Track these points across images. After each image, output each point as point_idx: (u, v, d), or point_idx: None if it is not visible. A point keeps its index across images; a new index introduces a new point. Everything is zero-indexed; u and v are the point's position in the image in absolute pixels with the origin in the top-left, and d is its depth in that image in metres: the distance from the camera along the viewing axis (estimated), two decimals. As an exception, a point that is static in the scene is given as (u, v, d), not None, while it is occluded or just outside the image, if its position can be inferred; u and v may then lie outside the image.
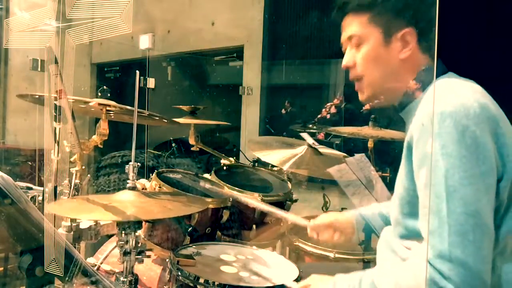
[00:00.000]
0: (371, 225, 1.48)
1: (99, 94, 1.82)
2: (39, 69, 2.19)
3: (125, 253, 1.32)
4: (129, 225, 1.31)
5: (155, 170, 1.86)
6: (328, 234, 1.56)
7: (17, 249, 1.09)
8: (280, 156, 2.11)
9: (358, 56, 1.19)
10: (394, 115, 1.25)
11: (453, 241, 0.94)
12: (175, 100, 4.22)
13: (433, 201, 0.98)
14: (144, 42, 3.19)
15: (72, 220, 1.44)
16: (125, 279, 1.34)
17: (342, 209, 2.07)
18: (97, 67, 5.22)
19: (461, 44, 1.88)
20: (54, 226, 1.16)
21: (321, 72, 3.58)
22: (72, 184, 1.59)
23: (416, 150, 1.04)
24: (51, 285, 1.11)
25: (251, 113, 3.84)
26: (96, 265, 1.71)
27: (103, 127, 1.72)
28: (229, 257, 1.57)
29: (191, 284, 1.35)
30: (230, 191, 1.90)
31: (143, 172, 2.15)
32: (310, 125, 3.41)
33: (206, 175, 2.08)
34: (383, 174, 1.96)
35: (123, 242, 1.32)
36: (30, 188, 1.81)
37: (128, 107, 1.70)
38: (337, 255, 1.83)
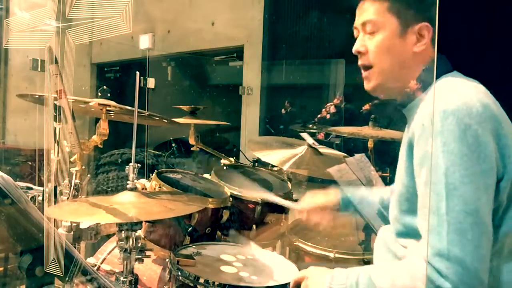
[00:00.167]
0: (361, 212, 1.47)
1: (99, 94, 1.82)
2: (39, 69, 2.19)
3: (125, 253, 1.32)
4: (128, 225, 1.31)
5: (155, 170, 1.86)
6: (316, 213, 1.53)
7: (17, 249, 1.09)
8: (280, 156, 2.11)
9: (372, 43, 1.17)
10: (396, 112, 1.24)
11: (452, 239, 0.94)
12: (175, 100, 4.22)
13: (433, 198, 0.97)
14: (144, 42, 3.19)
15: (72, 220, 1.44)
16: (125, 279, 1.34)
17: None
18: (97, 67, 5.22)
19: (461, 44, 1.88)
20: (54, 226, 1.16)
21: (321, 72, 3.58)
22: (72, 184, 1.59)
23: (417, 147, 1.04)
24: (51, 285, 1.11)
25: (251, 113, 3.84)
26: (96, 265, 1.71)
27: (103, 127, 1.72)
28: (229, 257, 1.57)
29: (191, 284, 1.35)
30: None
31: (143, 171, 2.15)
32: (310, 125, 3.41)
33: (206, 175, 2.08)
34: (383, 174, 1.96)
35: (123, 242, 1.32)
36: (30, 188, 1.81)
37: (128, 107, 1.70)
38: (337, 255, 1.83)
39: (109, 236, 1.83)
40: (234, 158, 2.35)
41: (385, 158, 2.26)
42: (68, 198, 1.56)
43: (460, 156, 0.96)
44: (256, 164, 2.35)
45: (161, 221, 1.72)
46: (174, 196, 1.58)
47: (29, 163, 3.53)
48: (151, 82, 3.20)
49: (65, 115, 1.36)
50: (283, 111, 3.76)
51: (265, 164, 2.33)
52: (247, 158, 2.59)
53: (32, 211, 1.09)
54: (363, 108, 2.83)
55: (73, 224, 1.47)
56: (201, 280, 1.33)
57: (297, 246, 1.94)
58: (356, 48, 1.21)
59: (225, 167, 2.26)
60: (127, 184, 1.36)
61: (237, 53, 4.09)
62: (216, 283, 1.32)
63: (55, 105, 1.30)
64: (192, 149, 2.42)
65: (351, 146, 2.90)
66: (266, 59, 3.79)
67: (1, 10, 2.05)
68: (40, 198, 1.68)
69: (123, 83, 4.79)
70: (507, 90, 1.12)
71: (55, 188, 1.35)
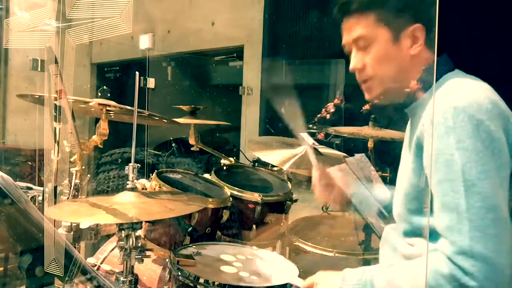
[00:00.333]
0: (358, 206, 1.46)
1: (99, 94, 1.82)
2: (39, 69, 2.19)
3: (125, 253, 1.32)
4: (128, 225, 1.31)
5: (155, 169, 1.86)
6: (325, 189, 1.50)
7: (17, 249, 1.09)
8: (280, 156, 2.11)
9: (368, 58, 1.17)
10: (397, 112, 1.24)
11: (474, 236, 0.93)
12: (175, 100, 4.22)
13: (450, 196, 0.97)
14: (144, 42, 3.19)
15: (72, 220, 1.44)
16: (125, 279, 1.34)
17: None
18: (97, 67, 5.22)
19: (461, 44, 1.88)
20: (54, 226, 1.16)
21: (321, 72, 3.58)
22: (72, 184, 1.59)
23: (427, 146, 1.03)
24: (51, 285, 1.11)
25: (251, 113, 3.84)
26: (96, 265, 1.71)
27: (103, 127, 1.72)
28: (229, 257, 1.57)
29: (191, 284, 1.35)
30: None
31: (143, 171, 2.15)
32: (310, 125, 3.41)
33: (206, 175, 2.08)
34: (383, 174, 1.96)
35: (123, 242, 1.32)
36: (30, 188, 1.81)
37: (128, 107, 1.70)
38: (337, 255, 1.83)
39: (109, 236, 1.83)
40: (234, 158, 2.35)
41: (385, 158, 2.26)
42: (68, 198, 1.56)
43: (475, 152, 0.96)
44: (256, 164, 2.35)
45: (161, 221, 1.72)
46: (174, 196, 1.58)
47: (29, 163, 3.53)
48: (151, 82, 3.20)
49: (65, 115, 1.36)
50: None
51: (265, 164, 2.33)
52: (247, 158, 2.58)
53: (32, 211, 1.09)
54: (363, 108, 2.83)
55: (73, 224, 1.47)
56: (201, 280, 1.33)
57: (297, 246, 1.94)
58: (353, 66, 1.20)
59: (225, 167, 2.26)
60: (127, 184, 1.36)
61: (237, 53, 4.09)
62: (216, 283, 1.32)
63: (55, 105, 1.30)
64: (192, 149, 2.42)
65: (351, 146, 2.90)
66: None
67: (1, 10, 2.05)
68: (40, 198, 1.68)
69: (123, 83, 4.79)
70: (507, 90, 1.12)
71: (55, 188, 1.35)
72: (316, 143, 2.17)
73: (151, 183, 1.76)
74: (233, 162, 2.31)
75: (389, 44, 1.14)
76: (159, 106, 3.50)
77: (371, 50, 1.16)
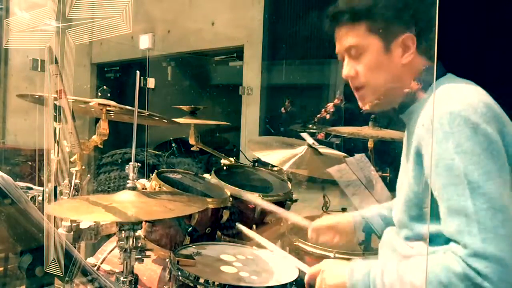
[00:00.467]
0: (373, 227, 1.47)
1: (99, 94, 1.82)
2: (39, 69, 2.19)
3: (125, 253, 1.32)
4: (129, 225, 1.31)
5: (155, 169, 1.86)
6: (329, 236, 1.55)
7: (17, 249, 1.09)
8: (280, 156, 2.11)
9: (360, 66, 1.18)
10: (395, 117, 1.25)
11: (485, 238, 0.92)
12: (175, 100, 4.22)
13: (456, 200, 0.96)
14: (144, 42, 3.19)
15: (72, 220, 1.44)
16: (125, 279, 1.34)
17: (343, 209, 2.06)
18: (97, 67, 5.22)
19: (461, 45, 1.88)
20: (54, 226, 1.16)
21: (321, 72, 3.58)
22: (72, 184, 1.59)
23: (427, 152, 1.03)
24: (51, 285, 1.11)
25: (251, 113, 3.84)
26: (96, 265, 1.71)
27: (103, 127, 1.72)
28: (229, 257, 1.57)
29: (191, 284, 1.35)
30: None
31: (143, 171, 2.15)
32: (310, 125, 3.41)
33: (206, 175, 2.08)
34: (383, 174, 1.96)
35: (123, 242, 1.32)
36: (30, 188, 1.81)
37: (128, 107, 1.70)
38: (337, 255, 1.83)
39: (109, 236, 1.83)
40: (234, 158, 2.35)
41: (385, 158, 2.26)
42: (68, 198, 1.56)
43: (475, 155, 0.96)
44: (256, 164, 2.35)
45: (161, 221, 1.72)
46: (174, 196, 1.58)
47: (29, 163, 3.54)
48: (151, 82, 3.20)
49: (65, 115, 1.36)
50: (283, 110, 3.76)
51: (265, 164, 2.33)
52: (247, 158, 2.59)
53: (32, 211, 1.09)
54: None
55: (73, 224, 1.47)
56: (201, 280, 1.33)
57: (297, 246, 1.94)
58: (345, 74, 1.22)
59: (225, 167, 2.26)
60: (128, 183, 1.36)
61: (237, 53, 4.09)
62: (216, 283, 1.32)
63: (55, 105, 1.30)
64: (192, 149, 2.42)
65: (351, 146, 2.90)
66: (266, 59, 3.79)
67: (1, 10, 2.05)
68: (40, 198, 1.68)
69: (123, 83, 4.79)
70: (506, 91, 1.13)
71: (55, 188, 1.35)
72: (316, 143, 2.18)
73: (151, 183, 1.76)
74: (233, 162, 2.31)
75: (380, 53, 1.15)
76: (159, 106, 3.50)
77: (363, 59, 1.17)
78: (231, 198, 1.87)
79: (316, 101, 3.64)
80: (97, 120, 1.76)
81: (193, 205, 1.48)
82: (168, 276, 1.46)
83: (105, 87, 1.85)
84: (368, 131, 2.17)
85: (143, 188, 1.73)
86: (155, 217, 1.54)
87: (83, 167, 1.66)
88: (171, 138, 3.55)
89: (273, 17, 3.73)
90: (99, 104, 1.72)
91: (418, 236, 1.11)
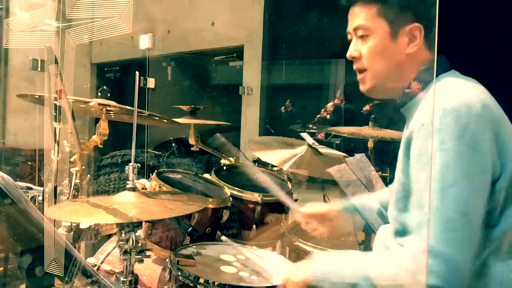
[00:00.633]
0: (364, 217, 1.47)
1: (99, 94, 1.82)
2: (39, 69, 2.19)
3: (125, 253, 1.32)
4: (129, 225, 1.31)
5: (155, 170, 1.86)
6: (317, 224, 1.54)
7: (17, 249, 1.09)
8: (280, 156, 2.11)
9: (364, 48, 1.18)
10: (395, 112, 1.24)
11: (442, 237, 0.93)
12: (175, 100, 4.22)
13: (425, 195, 0.98)
14: (144, 42, 3.19)
15: (72, 220, 1.44)
16: (125, 279, 1.34)
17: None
18: (97, 67, 5.22)
19: (461, 44, 1.88)
20: (54, 226, 1.16)
21: (321, 72, 3.58)
22: (72, 184, 1.59)
23: (414, 146, 1.04)
24: (51, 286, 1.11)
25: (251, 113, 3.84)
26: (96, 265, 1.71)
27: (103, 127, 1.72)
28: (229, 257, 1.57)
29: (191, 284, 1.35)
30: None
31: (143, 172, 2.15)
32: (310, 125, 3.41)
33: (206, 175, 2.08)
34: (383, 174, 1.96)
35: (123, 242, 1.32)
36: (30, 188, 1.81)
37: (128, 107, 1.70)
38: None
39: (109, 236, 1.83)
40: (234, 158, 2.35)
41: (385, 158, 2.26)
42: (68, 198, 1.56)
43: (457, 154, 0.96)
44: (256, 164, 2.35)
45: (161, 221, 1.72)
46: (174, 196, 1.58)
47: (29, 163, 3.53)
48: (151, 82, 3.20)
49: (65, 115, 1.36)
50: (282, 110, 3.76)
51: (265, 164, 2.33)
52: (247, 158, 2.58)
53: (32, 211, 1.09)
54: (363, 108, 2.84)
55: (73, 224, 1.47)
56: (201, 280, 1.33)
57: (297, 246, 1.94)
58: (350, 53, 1.22)
59: (225, 167, 2.26)
60: (127, 184, 1.36)
61: (237, 53, 4.09)
62: (216, 283, 1.32)
63: (55, 105, 1.30)
64: (192, 149, 2.42)
65: (351, 146, 2.90)
66: (266, 59, 3.79)
67: (1, 10, 2.05)
68: (40, 198, 1.68)
69: (123, 83, 4.79)
70: (507, 90, 1.13)
71: (55, 188, 1.35)
72: (316, 143, 2.18)
73: (151, 183, 1.77)
74: (233, 162, 2.31)
75: (386, 39, 1.15)
76: (159, 106, 3.50)
77: (369, 41, 1.17)
78: (231, 198, 1.87)
79: (316, 101, 3.64)
80: (97, 120, 1.76)
81: (193, 204, 1.48)
82: (168, 276, 1.46)
83: (105, 87, 1.85)
84: (368, 131, 2.17)
85: (143, 188, 1.73)
86: (156, 217, 1.54)
87: (83, 167, 1.66)
88: (171, 138, 3.55)
89: (273, 17, 3.73)
90: (99, 104, 1.72)
91: (406, 229, 1.11)
